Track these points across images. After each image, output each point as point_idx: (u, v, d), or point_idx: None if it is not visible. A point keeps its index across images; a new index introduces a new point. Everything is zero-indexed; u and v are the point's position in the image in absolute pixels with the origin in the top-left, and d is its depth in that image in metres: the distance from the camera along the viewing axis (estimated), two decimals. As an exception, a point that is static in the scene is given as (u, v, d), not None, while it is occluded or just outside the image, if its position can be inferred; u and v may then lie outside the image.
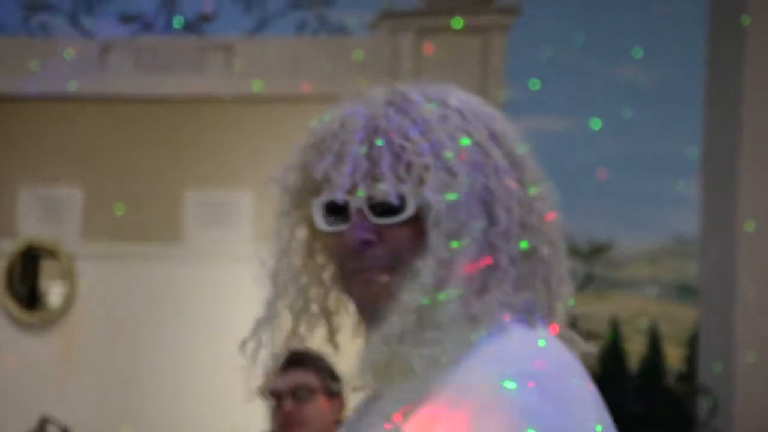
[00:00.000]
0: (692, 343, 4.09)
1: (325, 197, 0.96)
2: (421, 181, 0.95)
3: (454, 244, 0.96)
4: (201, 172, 4.27)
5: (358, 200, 0.95)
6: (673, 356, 3.91)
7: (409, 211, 0.93)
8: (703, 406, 4.28)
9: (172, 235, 4.22)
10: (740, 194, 4.27)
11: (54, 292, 4.57)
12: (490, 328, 0.93)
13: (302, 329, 1.02)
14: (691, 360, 4.06)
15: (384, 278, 0.96)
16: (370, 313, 0.98)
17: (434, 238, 0.93)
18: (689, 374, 4.05)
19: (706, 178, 4.51)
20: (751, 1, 4.42)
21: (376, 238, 0.95)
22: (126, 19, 4.90)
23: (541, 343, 0.95)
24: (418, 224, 0.96)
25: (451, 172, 0.96)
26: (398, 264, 0.96)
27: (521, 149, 1.01)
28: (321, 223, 0.97)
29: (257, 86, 4.21)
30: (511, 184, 0.98)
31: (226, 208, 4.32)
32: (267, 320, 1.01)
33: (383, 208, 0.95)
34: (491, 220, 0.97)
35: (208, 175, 4.26)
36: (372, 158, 0.96)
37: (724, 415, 4.19)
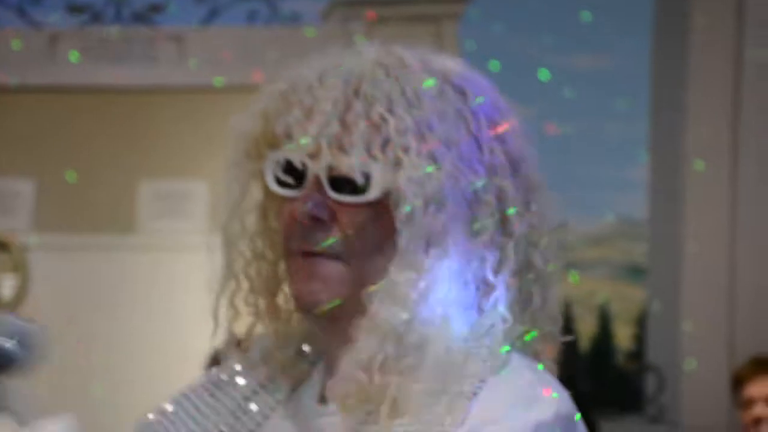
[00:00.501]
0: (641, 323, 4.15)
1: (281, 154, 0.82)
2: (396, 164, 0.80)
3: (433, 251, 0.81)
4: (155, 162, 4.27)
5: (317, 167, 0.81)
6: (623, 336, 3.99)
7: (373, 193, 0.78)
8: (650, 383, 4.29)
9: (126, 226, 4.20)
10: (687, 177, 4.24)
11: (5, 285, 4.52)
12: (495, 361, 0.79)
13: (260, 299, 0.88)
14: (640, 339, 4.10)
15: (328, 269, 0.82)
16: (331, 325, 0.83)
17: (405, 238, 0.78)
18: (638, 353, 4.07)
19: (653, 161, 4.53)
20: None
21: (327, 216, 0.81)
22: (74, 9, 4.84)
23: (547, 378, 0.82)
24: (384, 216, 0.81)
25: (435, 161, 0.80)
26: (349, 256, 0.82)
27: (527, 152, 0.87)
28: (272, 182, 0.83)
29: (218, 82, 4.17)
30: (508, 188, 0.84)
31: (180, 198, 4.30)
32: (224, 284, 0.87)
33: (344, 184, 0.80)
34: (477, 227, 0.83)
35: (162, 165, 4.27)
36: (345, 124, 0.81)
37: (671, 392, 4.20)
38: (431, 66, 0.85)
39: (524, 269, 0.84)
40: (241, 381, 0.92)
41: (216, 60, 4.43)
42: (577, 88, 4.48)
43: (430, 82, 0.84)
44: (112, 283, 4.40)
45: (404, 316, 0.78)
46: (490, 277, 0.81)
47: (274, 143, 0.84)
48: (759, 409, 3.03)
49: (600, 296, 4.00)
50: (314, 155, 0.78)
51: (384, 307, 0.79)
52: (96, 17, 4.82)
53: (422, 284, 0.78)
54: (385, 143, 0.79)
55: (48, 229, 4.51)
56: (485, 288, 0.81)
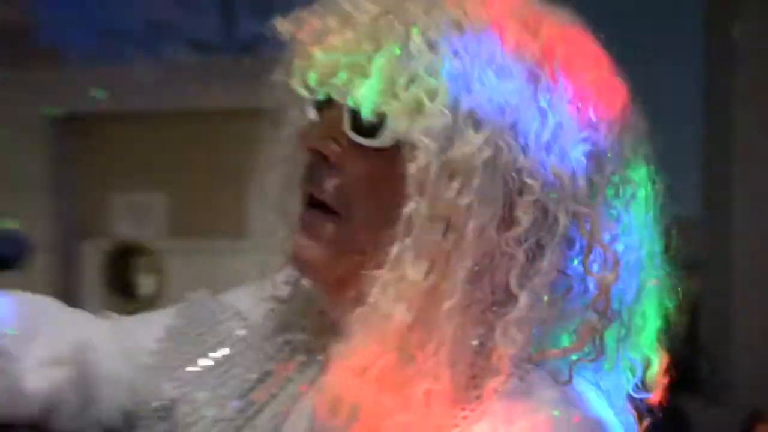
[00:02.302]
0: (695, 312, 4.25)
1: (302, 68, 0.67)
2: (418, 111, 0.61)
3: (450, 236, 0.61)
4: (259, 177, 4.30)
5: (335, 92, 0.64)
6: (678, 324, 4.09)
7: (384, 139, 0.62)
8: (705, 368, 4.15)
9: (238, 233, 4.19)
10: (737, 181, 4.07)
11: (144, 284, 4.72)
12: (513, 376, 0.63)
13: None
14: (694, 327, 4.07)
15: (320, 224, 0.67)
16: (333, 294, 0.69)
17: (414, 209, 0.60)
18: (692, 339, 4.09)
19: (706, 166, 4.39)
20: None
21: (331, 155, 0.65)
22: (193, 44, 4.86)
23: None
24: (396, 176, 0.62)
25: (473, 123, 0.60)
26: (348, 214, 0.65)
27: (614, 153, 0.66)
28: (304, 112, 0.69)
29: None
30: (564, 177, 0.62)
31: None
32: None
33: (360, 122, 0.64)
34: (511, 217, 0.62)
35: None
36: (375, 48, 0.62)
37: (725, 375, 4.08)
38: (517, 11, 0.64)
39: (562, 285, 0.64)
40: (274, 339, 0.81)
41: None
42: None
43: (499, 28, 0.62)
44: (230, 280, 4.53)
45: (408, 315, 0.60)
46: (514, 285, 0.62)
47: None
48: None
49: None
50: (332, 76, 0.63)
51: (384, 300, 0.61)
52: (210, 49, 4.84)
53: (433, 278, 0.60)
54: (411, 80, 0.60)
55: (178, 235, 4.68)
56: (504, 298, 0.63)
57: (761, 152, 4.00)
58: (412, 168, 0.59)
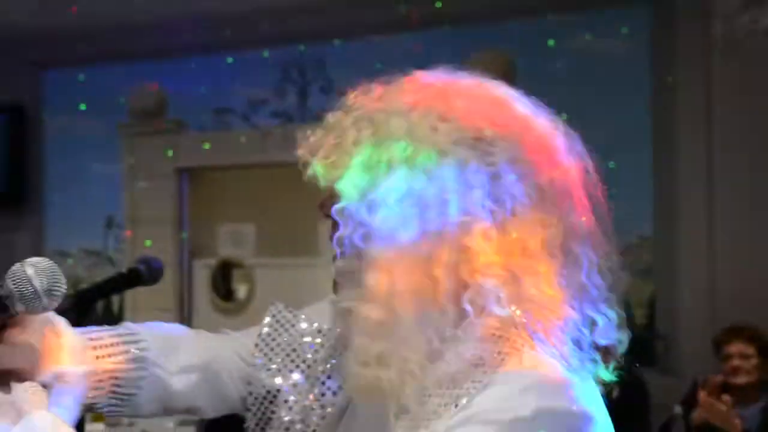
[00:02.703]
0: (651, 305, 4.22)
1: None
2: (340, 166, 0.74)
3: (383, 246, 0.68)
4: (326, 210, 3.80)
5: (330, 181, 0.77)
6: (639, 314, 4.47)
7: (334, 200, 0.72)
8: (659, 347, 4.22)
9: (313, 251, 4.17)
10: (682, 203, 4.14)
11: (240, 290, 4.80)
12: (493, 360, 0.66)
13: None
14: (650, 317, 4.22)
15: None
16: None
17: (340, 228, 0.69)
18: (650, 326, 4.17)
19: (656, 191, 4.43)
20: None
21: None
22: (277, 114, 5.09)
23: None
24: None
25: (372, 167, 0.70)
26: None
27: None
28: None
29: None
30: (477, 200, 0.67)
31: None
32: None
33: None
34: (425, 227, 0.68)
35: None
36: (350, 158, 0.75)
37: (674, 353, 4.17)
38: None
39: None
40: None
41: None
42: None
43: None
44: (309, 290, 3.86)
45: (377, 314, 0.66)
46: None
47: None
48: (735, 362, 3.18)
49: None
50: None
51: (344, 294, 0.72)
52: (290, 118, 5.07)
53: (387, 281, 0.65)
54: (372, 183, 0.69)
55: (265, 254, 4.75)
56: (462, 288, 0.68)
57: (699, 178, 4.04)
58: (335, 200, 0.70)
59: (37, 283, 0.78)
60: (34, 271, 0.78)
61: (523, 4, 4.21)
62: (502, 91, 0.74)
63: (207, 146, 4.73)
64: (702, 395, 3.01)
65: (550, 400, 0.64)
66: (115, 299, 4.91)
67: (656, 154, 4.20)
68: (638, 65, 4.17)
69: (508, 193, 0.68)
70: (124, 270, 1.26)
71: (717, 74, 3.97)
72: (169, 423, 3.72)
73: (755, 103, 3.91)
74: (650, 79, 4.15)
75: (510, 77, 3.99)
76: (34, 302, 0.78)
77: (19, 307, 0.78)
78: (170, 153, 4.75)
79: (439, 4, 4.32)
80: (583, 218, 0.71)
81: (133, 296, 4.59)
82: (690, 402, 3.16)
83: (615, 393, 2.21)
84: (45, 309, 0.78)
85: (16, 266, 0.79)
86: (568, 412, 0.64)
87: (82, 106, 5.31)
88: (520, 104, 0.72)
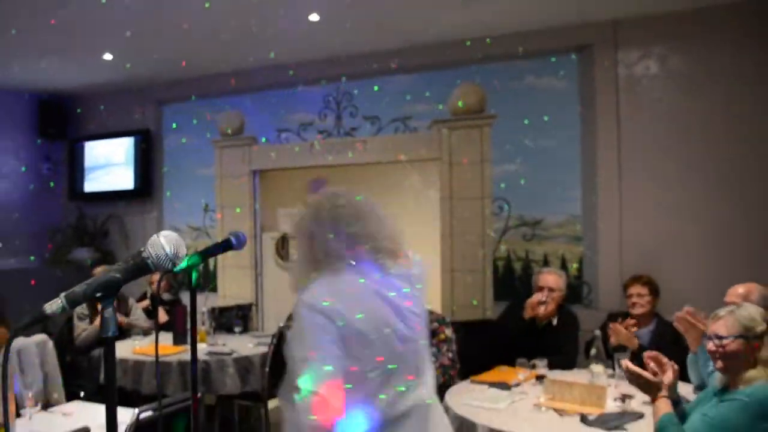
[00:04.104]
0: (581, 263, 4.05)
1: None
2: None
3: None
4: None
5: None
6: (572, 269, 4.14)
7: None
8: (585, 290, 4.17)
9: None
10: (600, 192, 4.03)
11: (293, 253, 4.34)
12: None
13: None
14: (580, 270, 4.03)
15: None
16: None
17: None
18: (580, 275, 4.02)
19: (583, 183, 4.22)
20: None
21: None
22: (319, 131, 4.96)
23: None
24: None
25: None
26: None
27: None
28: None
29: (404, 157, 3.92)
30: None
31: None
32: None
33: None
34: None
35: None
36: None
37: (595, 294, 4.14)
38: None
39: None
40: None
41: (382, 149, 4.22)
42: (526, 158, 3.80)
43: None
44: None
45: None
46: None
47: None
48: (634, 299, 3.17)
49: (561, 252, 3.88)
50: None
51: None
52: (329, 134, 4.92)
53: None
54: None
55: None
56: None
57: (613, 175, 4.01)
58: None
59: (168, 248, 0.78)
60: (166, 240, 0.78)
61: (495, 54, 4.35)
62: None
63: (272, 154, 4.73)
64: (611, 324, 3.03)
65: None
66: (211, 260, 4.73)
67: (583, 156, 4.17)
68: (570, 97, 4.20)
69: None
70: (219, 240, 1.25)
71: (623, 102, 4.01)
72: (249, 344, 3.60)
73: (648, 120, 3.92)
74: (578, 106, 4.18)
75: (482, 102, 3.98)
76: (166, 262, 0.79)
77: (156, 266, 0.77)
78: (247, 160, 4.75)
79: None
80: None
81: (224, 257, 4.70)
82: (605, 328, 3.15)
83: (555, 322, 2.74)
84: (174, 265, 0.78)
85: (153, 237, 0.79)
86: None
87: (189, 129, 5.41)
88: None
